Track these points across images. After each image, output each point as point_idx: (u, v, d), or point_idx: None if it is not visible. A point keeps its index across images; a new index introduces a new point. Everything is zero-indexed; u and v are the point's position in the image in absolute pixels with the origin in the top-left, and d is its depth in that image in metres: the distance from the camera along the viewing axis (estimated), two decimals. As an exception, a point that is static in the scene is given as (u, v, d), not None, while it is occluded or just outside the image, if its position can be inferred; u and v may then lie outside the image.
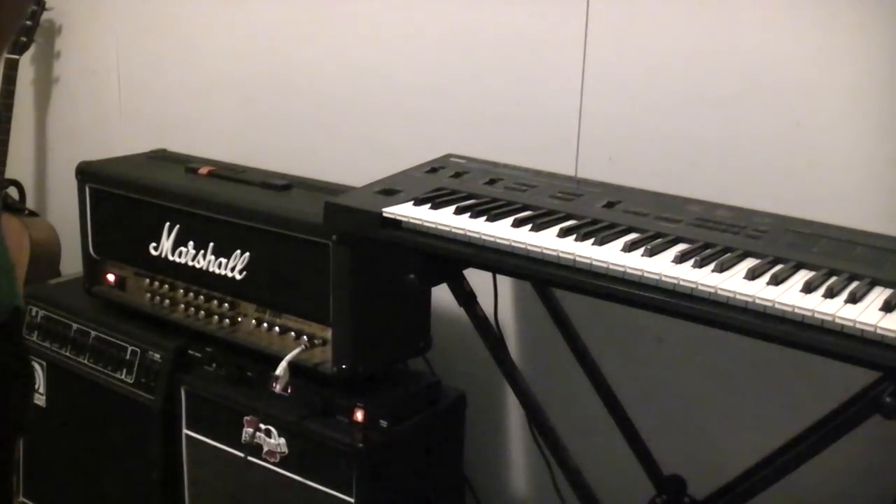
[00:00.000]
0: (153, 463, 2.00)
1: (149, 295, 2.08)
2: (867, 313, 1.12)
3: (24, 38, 2.74)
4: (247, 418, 1.83)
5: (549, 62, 1.95)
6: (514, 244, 1.33)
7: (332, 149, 2.33)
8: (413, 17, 2.14)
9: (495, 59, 2.03)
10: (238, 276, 1.90)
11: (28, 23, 2.73)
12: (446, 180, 1.62)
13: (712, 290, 1.18)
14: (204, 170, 2.09)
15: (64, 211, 2.81)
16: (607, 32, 1.88)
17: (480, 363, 1.77)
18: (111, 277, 2.15)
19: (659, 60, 1.83)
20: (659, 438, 1.76)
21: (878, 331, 1.08)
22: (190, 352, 1.98)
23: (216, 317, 1.96)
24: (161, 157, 2.28)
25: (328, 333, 1.78)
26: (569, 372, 1.80)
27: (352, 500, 1.71)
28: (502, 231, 1.36)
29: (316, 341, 1.80)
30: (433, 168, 1.70)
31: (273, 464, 1.81)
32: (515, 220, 1.40)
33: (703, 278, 1.20)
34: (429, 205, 1.46)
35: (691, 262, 1.25)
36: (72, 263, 2.67)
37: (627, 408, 1.72)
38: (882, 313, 1.12)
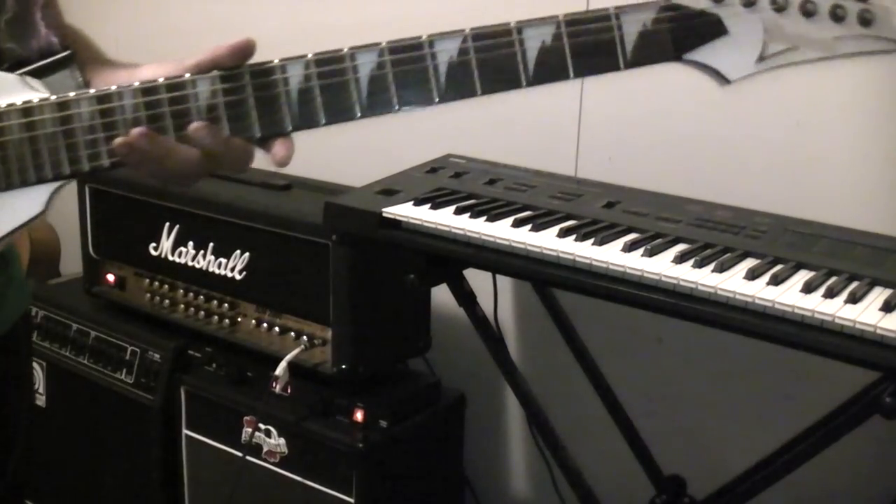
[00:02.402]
0: (153, 463, 1.99)
1: (148, 295, 2.08)
2: (867, 313, 1.12)
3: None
4: (246, 418, 1.83)
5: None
6: (513, 244, 1.33)
7: (332, 149, 2.32)
8: (414, 15, 2.14)
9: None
10: (238, 277, 1.90)
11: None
12: (446, 180, 1.61)
13: (712, 291, 1.18)
14: (204, 170, 2.08)
15: (64, 211, 2.80)
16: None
17: (480, 363, 1.77)
18: (111, 277, 2.15)
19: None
20: (659, 438, 1.76)
21: (878, 331, 1.08)
22: (190, 352, 1.97)
23: (216, 317, 1.95)
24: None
25: (328, 333, 1.77)
26: (569, 372, 1.80)
27: (352, 500, 1.71)
28: (502, 231, 1.36)
29: (316, 341, 1.79)
30: (433, 168, 1.70)
31: (273, 464, 1.81)
32: (515, 220, 1.40)
33: (703, 278, 1.20)
34: (429, 205, 1.46)
35: (691, 262, 1.25)
36: (72, 263, 2.67)
37: (627, 408, 1.72)
38: (882, 313, 1.12)
